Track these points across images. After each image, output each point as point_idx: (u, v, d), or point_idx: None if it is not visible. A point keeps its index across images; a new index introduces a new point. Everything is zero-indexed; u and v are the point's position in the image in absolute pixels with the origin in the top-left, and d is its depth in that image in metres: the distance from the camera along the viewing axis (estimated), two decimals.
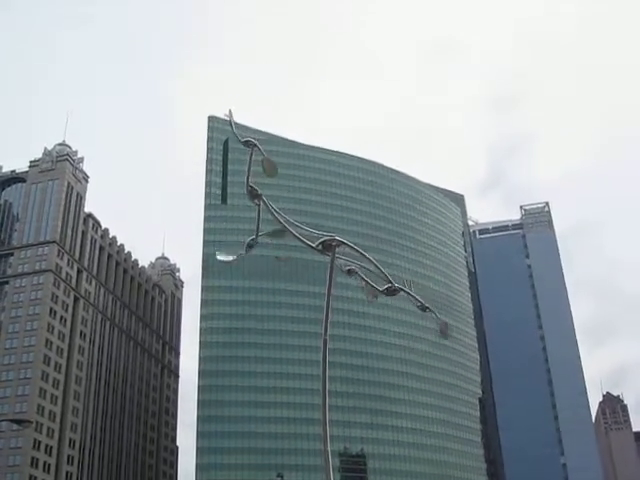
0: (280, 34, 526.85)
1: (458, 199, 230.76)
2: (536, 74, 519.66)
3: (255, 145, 26.05)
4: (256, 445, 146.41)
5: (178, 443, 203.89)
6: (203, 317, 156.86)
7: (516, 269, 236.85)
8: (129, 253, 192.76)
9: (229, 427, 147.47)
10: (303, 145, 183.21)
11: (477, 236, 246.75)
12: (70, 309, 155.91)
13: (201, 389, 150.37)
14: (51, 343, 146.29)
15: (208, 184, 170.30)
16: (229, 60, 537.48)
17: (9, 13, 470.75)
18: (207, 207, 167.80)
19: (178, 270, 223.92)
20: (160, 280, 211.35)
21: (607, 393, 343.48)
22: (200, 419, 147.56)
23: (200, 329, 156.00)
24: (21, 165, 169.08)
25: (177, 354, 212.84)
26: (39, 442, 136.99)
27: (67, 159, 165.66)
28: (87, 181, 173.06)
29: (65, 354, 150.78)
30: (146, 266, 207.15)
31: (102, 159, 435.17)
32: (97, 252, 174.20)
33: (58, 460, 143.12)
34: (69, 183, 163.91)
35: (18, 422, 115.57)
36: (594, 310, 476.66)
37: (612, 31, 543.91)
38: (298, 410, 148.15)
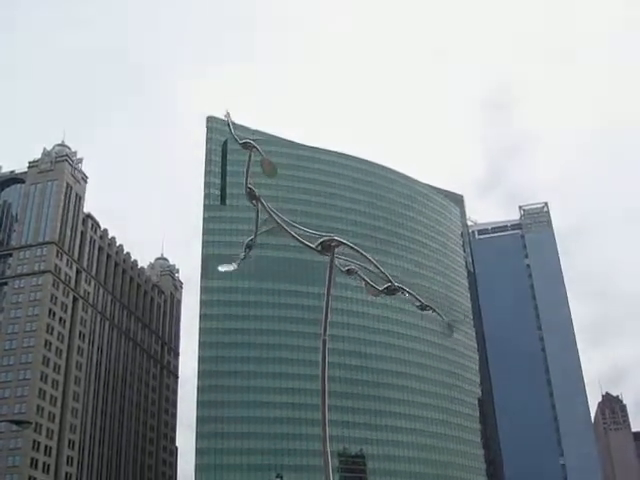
0: (280, 34, 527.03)
1: (457, 199, 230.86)
2: (536, 74, 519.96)
3: (254, 147, 26.04)
4: (255, 446, 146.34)
5: (177, 444, 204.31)
6: (202, 317, 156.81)
7: (515, 269, 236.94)
8: (128, 254, 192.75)
9: (228, 428, 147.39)
10: (302, 145, 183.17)
11: (476, 236, 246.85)
12: (69, 310, 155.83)
13: (200, 389, 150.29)
14: (50, 344, 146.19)
15: (207, 185, 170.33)
16: (229, 60, 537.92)
17: (9, 13, 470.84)
18: (206, 208, 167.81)
19: (177, 271, 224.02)
20: (159, 281, 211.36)
21: (606, 393, 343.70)
22: (199, 420, 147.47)
23: (199, 329, 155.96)
24: (20, 166, 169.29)
25: (176, 355, 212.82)
26: (38, 443, 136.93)
27: (66, 160, 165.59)
28: (86, 181, 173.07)
29: (64, 355, 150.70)
30: (145, 267, 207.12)
31: (101, 160, 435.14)
32: (96, 253, 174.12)
33: (57, 461, 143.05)
34: (68, 184, 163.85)
35: (17, 423, 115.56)
36: (593, 310, 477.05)
37: (612, 32, 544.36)
38: (297, 410, 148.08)
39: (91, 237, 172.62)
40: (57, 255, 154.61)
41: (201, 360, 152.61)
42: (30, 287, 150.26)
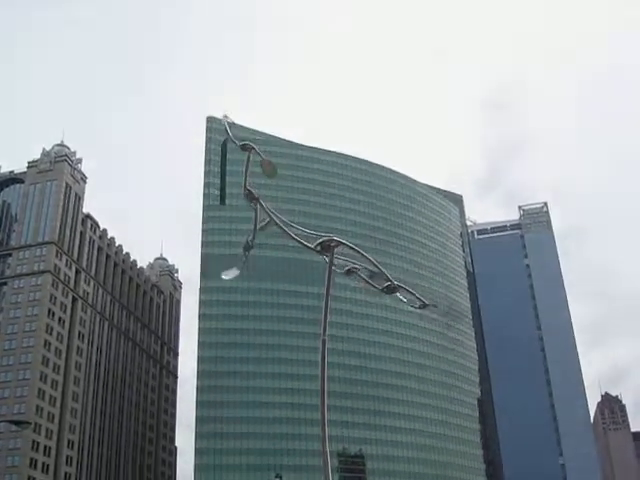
0: (280, 34, 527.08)
1: (456, 199, 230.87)
2: (536, 74, 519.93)
3: (253, 148, 26.05)
4: (255, 446, 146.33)
5: (177, 444, 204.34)
6: (202, 317, 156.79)
7: (515, 269, 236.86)
8: (127, 254, 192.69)
9: (228, 428, 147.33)
10: (301, 146, 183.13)
11: (475, 236, 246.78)
12: (68, 310, 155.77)
13: (200, 390, 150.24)
14: (50, 344, 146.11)
15: (207, 185, 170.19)
16: (229, 60, 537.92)
17: (9, 13, 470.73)
18: (206, 208, 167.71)
19: (177, 271, 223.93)
20: (159, 281, 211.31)
21: (606, 393, 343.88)
22: (199, 420, 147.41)
23: (199, 329, 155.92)
24: (19, 165, 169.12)
25: (175, 355, 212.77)
26: (38, 443, 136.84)
27: (65, 160, 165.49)
28: (85, 182, 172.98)
29: (64, 355, 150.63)
30: (145, 267, 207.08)
31: (101, 160, 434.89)
32: (95, 253, 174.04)
33: (57, 461, 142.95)
34: (67, 184, 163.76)
35: (17, 423, 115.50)
36: (593, 310, 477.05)
37: (612, 33, 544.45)
38: (297, 411, 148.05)
39: (90, 237, 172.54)
40: (56, 255, 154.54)
41: (200, 360, 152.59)
42: (29, 287, 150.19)
